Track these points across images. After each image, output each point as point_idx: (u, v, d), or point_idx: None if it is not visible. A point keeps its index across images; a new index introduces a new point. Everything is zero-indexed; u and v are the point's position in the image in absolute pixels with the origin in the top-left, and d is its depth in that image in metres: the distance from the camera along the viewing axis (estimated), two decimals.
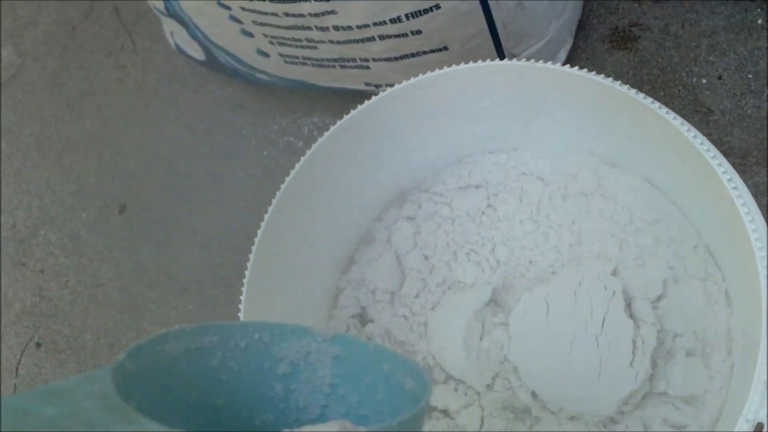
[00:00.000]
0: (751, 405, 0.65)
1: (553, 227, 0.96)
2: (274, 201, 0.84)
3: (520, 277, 0.95)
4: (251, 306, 0.81)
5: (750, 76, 1.15)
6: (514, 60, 0.80)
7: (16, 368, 1.32)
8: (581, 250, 0.94)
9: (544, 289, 0.91)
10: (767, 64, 1.15)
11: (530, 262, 0.95)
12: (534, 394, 0.89)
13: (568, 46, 1.15)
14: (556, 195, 0.97)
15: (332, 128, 0.86)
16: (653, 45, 1.20)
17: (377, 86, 0.83)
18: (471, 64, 0.82)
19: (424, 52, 1.00)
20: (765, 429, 0.66)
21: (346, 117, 0.85)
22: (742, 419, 0.65)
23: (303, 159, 0.85)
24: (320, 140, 0.86)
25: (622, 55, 1.20)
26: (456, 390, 0.92)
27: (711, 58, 1.17)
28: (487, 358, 0.91)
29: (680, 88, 1.17)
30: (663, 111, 0.75)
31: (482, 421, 0.90)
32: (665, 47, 1.19)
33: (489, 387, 0.91)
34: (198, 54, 1.26)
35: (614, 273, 0.92)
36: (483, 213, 0.99)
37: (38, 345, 1.32)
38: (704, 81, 1.17)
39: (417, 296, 0.97)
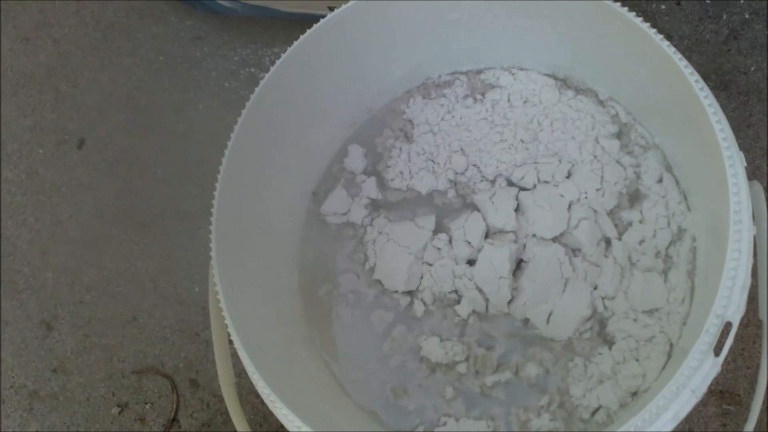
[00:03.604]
0: (720, 301, 0.66)
1: (509, 125, 0.97)
2: (235, 128, 0.83)
3: (474, 192, 0.96)
4: (221, 236, 0.81)
5: (708, 1, 1.17)
6: None
7: None
8: (537, 150, 0.95)
9: (508, 206, 0.92)
10: None
11: (484, 170, 0.96)
12: (493, 314, 0.91)
13: None
14: (516, 99, 0.98)
15: (289, 49, 0.85)
16: None
17: None
18: None
19: None
20: (733, 328, 0.68)
21: (302, 37, 0.85)
22: (712, 314, 0.66)
23: (262, 83, 0.84)
24: (280, 60, 0.85)
25: None
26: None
27: None
28: (438, 286, 0.92)
29: (640, 14, 1.17)
30: (631, 15, 0.76)
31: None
32: None
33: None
34: None
35: (569, 175, 0.93)
36: (442, 119, 1.00)
37: None
38: (663, 7, 1.18)
39: (363, 224, 0.98)
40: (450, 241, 0.93)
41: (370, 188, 0.99)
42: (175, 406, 1.17)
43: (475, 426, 0.86)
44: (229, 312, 0.76)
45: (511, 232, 0.92)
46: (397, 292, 0.93)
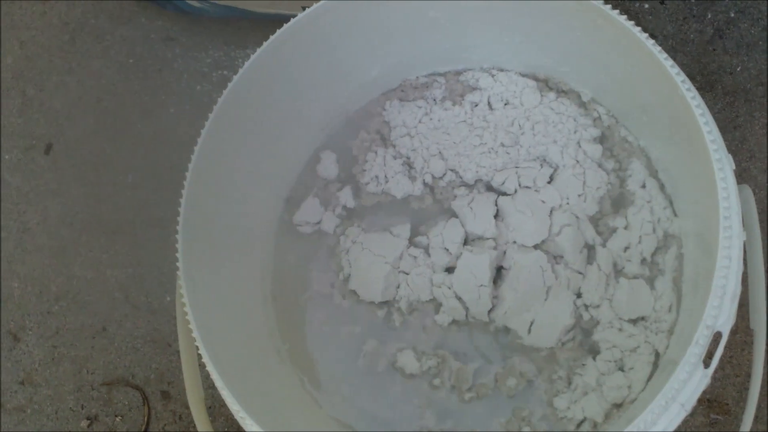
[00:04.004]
0: (710, 311, 0.64)
1: (489, 128, 0.95)
2: (203, 132, 0.81)
3: (452, 198, 0.94)
4: (189, 246, 0.79)
5: (692, 0, 1.15)
6: None
7: None
8: (519, 154, 0.93)
9: (487, 212, 0.90)
10: None
11: (464, 175, 0.94)
12: (473, 323, 0.89)
13: None
14: (496, 101, 0.96)
15: (259, 50, 0.83)
16: None
17: None
18: None
19: None
20: (723, 338, 0.66)
21: (272, 37, 0.83)
22: (702, 325, 0.64)
23: (231, 85, 0.82)
24: (249, 61, 0.83)
25: None
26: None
27: None
28: (415, 295, 0.91)
29: (623, 13, 1.16)
30: (615, 12, 0.74)
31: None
32: None
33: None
34: None
35: (551, 180, 0.91)
36: (420, 121, 0.97)
37: None
38: (647, 6, 1.16)
39: (335, 233, 0.96)
40: (427, 249, 0.91)
41: (344, 197, 0.97)
42: (146, 418, 1.14)
43: None
44: (197, 325, 0.73)
45: (490, 238, 0.89)
46: (373, 303, 0.91)
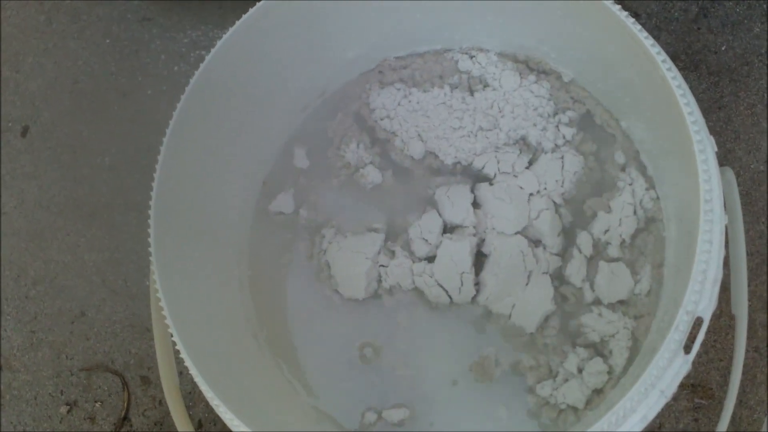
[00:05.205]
0: (690, 296, 0.63)
1: (468, 111, 0.93)
2: (175, 113, 0.80)
3: (428, 187, 0.93)
4: (162, 229, 0.78)
5: None
6: None
7: None
8: (498, 138, 0.92)
9: (464, 201, 0.89)
10: None
11: (443, 158, 0.93)
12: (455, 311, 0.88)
13: None
14: (476, 83, 0.95)
15: (231, 28, 0.81)
16: None
17: None
18: None
19: None
20: (704, 324, 0.65)
21: (245, 15, 0.81)
22: (682, 311, 0.63)
23: (204, 64, 0.80)
24: (223, 39, 0.81)
25: None
26: None
27: None
28: (396, 285, 0.90)
29: None
30: None
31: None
32: None
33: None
34: None
35: (530, 164, 0.90)
36: (399, 104, 0.96)
37: None
38: None
39: (311, 225, 0.95)
40: (406, 241, 0.91)
41: (318, 189, 0.96)
42: (125, 404, 1.13)
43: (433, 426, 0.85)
44: (171, 312, 0.73)
45: (469, 226, 0.89)
46: (357, 300, 0.90)
